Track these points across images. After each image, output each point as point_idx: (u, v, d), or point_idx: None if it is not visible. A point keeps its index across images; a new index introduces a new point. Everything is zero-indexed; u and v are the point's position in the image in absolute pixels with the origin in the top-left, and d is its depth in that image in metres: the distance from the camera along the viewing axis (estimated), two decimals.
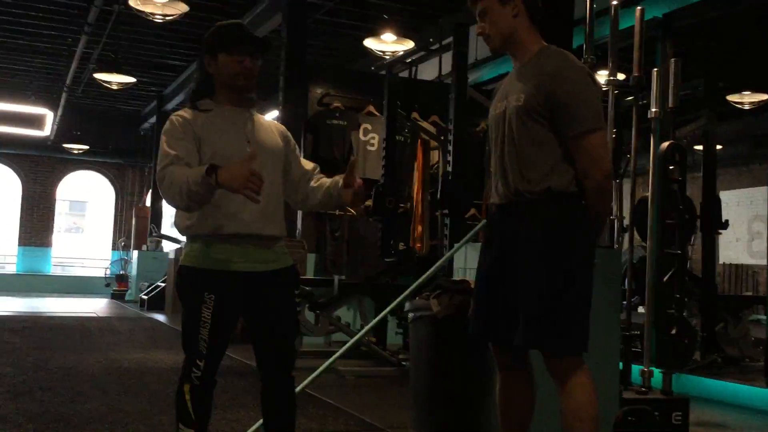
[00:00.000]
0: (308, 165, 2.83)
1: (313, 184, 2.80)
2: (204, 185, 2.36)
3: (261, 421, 2.94)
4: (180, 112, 2.63)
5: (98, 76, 11.07)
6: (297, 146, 2.86)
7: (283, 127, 2.84)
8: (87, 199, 23.56)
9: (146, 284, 13.62)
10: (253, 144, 2.61)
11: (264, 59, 2.70)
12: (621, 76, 5.29)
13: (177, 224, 2.66)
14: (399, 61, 7.47)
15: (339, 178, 2.73)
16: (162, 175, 2.47)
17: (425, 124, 7.80)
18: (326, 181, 2.79)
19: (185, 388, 2.54)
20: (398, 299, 4.67)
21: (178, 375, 2.58)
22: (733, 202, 13.98)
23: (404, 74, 7.68)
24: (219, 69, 2.61)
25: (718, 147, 11.27)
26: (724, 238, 13.65)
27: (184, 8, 7.62)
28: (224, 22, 2.74)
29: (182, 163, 2.47)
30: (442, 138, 6.92)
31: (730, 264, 13.16)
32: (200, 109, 2.62)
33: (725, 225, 7.04)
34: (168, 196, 2.48)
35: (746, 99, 8.63)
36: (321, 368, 4.34)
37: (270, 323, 2.63)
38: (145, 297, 12.87)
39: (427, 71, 8.51)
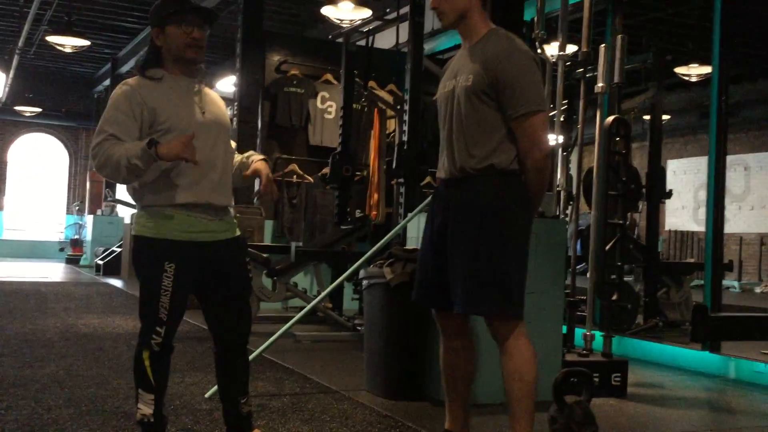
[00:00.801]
0: (233, 143, 2.92)
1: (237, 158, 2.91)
2: (144, 158, 2.47)
3: (216, 386, 3.07)
4: (130, 81, 2.67)
5: (51, 38, 10.86)
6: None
7: (219, 96, 2.92)
8: (39, 161, 23.12)
9: (101, 249, 13.55)
10: (207, 114, 2.70)
11: (219, 26, 2.79)
12: (573, 48, 5.45)
13: (131, 194, 2.74)
14: (356, 29, 7.50)
15: (246, 159, 2.86)
16: (95, 152, 2.55)
17: (382, 93, 7.88)
18: (238, 157, 2.90)
19: (144, 354, 2.64)
20: (353, 267, 4.80)
21: (136, 342, 2.69)
22: (680, 170, 14.38)
23: (362, 43, 7.72)
24: (167, 41, 2.66)
25: (667, 117, 11.61)
26: (671, 206, 14.07)
27: None
28: None
29: (116, 140, 2.54)
30: (399, 107, 7.01)
31: (677, 231, 13.58)
32: (150, 77, 2.66)
33: (669, 194, 7.31)
34: (104, 170, 2.56)
35: (693, 71, 8.89)
36: (278, 333, 4.47)
37: (226, 289, 2.75)
38: (101, 262, 12.82)
39: (385, 40, 8.56)
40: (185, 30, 2.63)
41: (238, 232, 2.84)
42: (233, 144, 2.92)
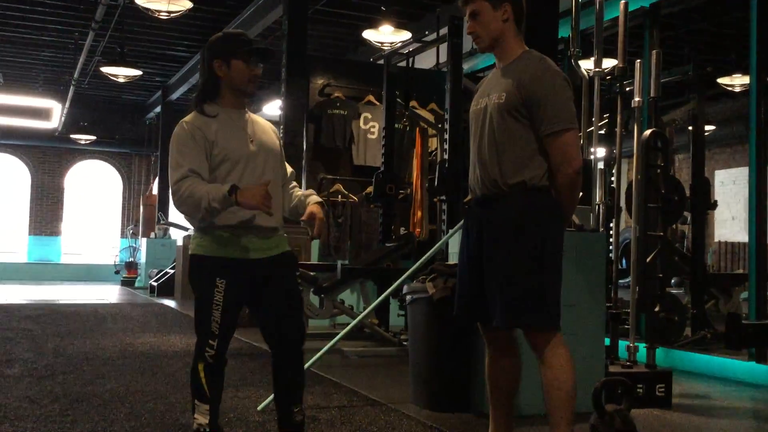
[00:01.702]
0: (288, 168, 3.13)
1: (288, 188, 3.09)
2: (224, 203, 2.70)
3: (271, 396, 3.23)
4: (188, 119, 2.89)
5: (105, 69, 11.30)
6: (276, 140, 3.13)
7: (273, 126, 3.12)
8: (94, 188, 23.83)
9: (155, 271, 13.91)
10: (256, 143, 2.90)
11: (272, 48, 3.04)
12: (611, 62, 5.53)
13: (187, 218, 2.94)
14: (396, 52, 7.68)
15: (304, 198, 3.03)
16: (178, 187, 2.76)
17: (423, 112, 8.02)
18: (298, 193, 3.08)
19: (199, 366, 2.83)
20: (396, 282, 4.92)
21: (192, 356, 2.87)
22: (728, 180, 14.18)
23: (402, 64, 7.89)
24: (230, 74, 2.88)
25: (712, 128, 11.51)
26: (720, 217, 13.86)
27: (188, 5, 7.84)
28: (231, 31, 3.04)
29: (196, 176, 2.75)
30: (440, 126, 7.14)
31: (726, 242, 13.37)
32: (208, 114, 2.88)
33: (714, 205, 7.27)
34: (183, 207, 2.78)
35: (737, 81, 8.85)
36: (325, 348, 4.61)
37: (281, 302, 2.93)
38: (155, 283, 13.16)
39: (425, 60, 8.72)
40: (250, 66, 2.88)
41: (287, 248, 3.01)
42: (288, 168, 3.12)
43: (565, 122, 2.73)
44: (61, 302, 11.34)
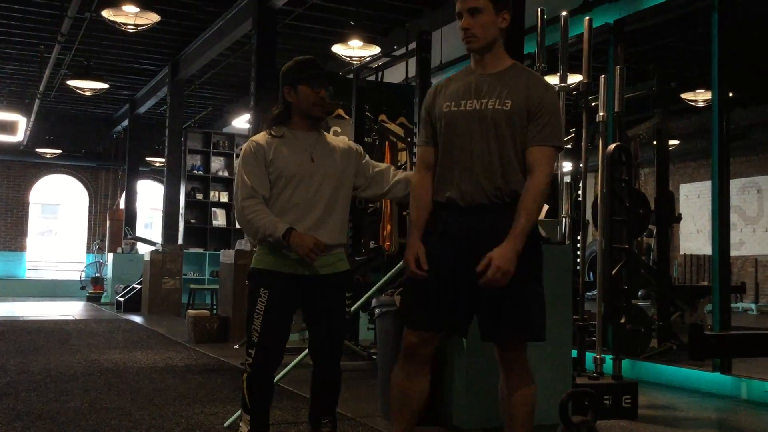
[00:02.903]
0: (382, 165, 3.25)
1: (399, 177, 3.19)
2: (277, 242, 2.89)
3: (238, 412, 3.23)
4: (256, 138, 3.07)
5: (71, 82, 11.18)
6: (364, 154, 3.24)
7: (349, 143, 3.22)
8: (60, 202, 23.48)
9: (122, 286, 13.73)
10: (317, 163, 3.02)
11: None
12: (577, 78, 5.61)
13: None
14: (366, 66, 7.72)
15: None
16: (242, 207, 2.95)
17: (392, 126, 8.04)
18: (400, 176, 3.20)
19: (243, 376, 2.96)
20: (365, 296, 4.91)
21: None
22: (693, 194, 14.43)
23: (371, 78, 7.93)
24: (298, 99, 3.03)
25: (676, 142, 11.71)
26: (685, 230, 14.10)
27: (155, 18, 7.80)
28: (300, 58, 3.13)
29: (259, 198, 2.93)
30: (409, 139, 7.17)
31: (691, 255, 13.58)
32: (274, 135, 3.04)
33: (678, 218, 7.39)
34: (243, 226, 3.01)
35: (700, 96, 9.00)
36: (293, 362, 4.58)
37: (323, 320, 3.05)
38: (122, 299, 12.99)
39: (394, 74, 8.76)
40: (315, 90, 3.01)
41: (345, 267, 3.09)
42: (382, 165, 3.24)
43: (559, 140, 2.76)
44: (25, 318, 11.14)
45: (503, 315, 2.67)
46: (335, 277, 3.05)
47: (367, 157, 3.25)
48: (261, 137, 3.06)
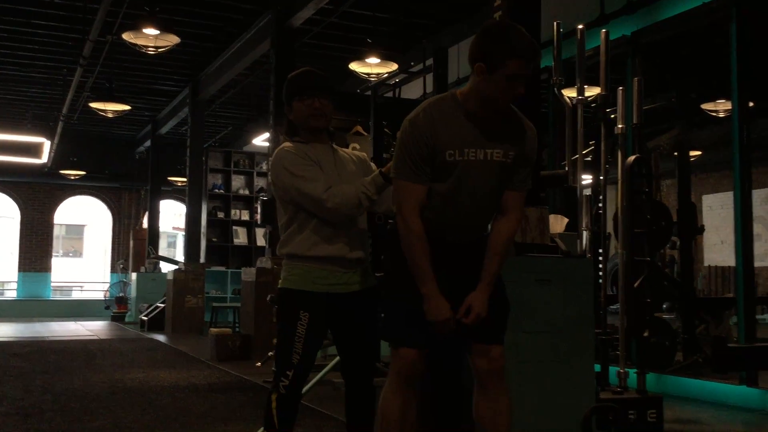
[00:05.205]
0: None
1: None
2: (379, 186, 2.82)
3: (260, 430, 3.22)
4: (290, 145, 2.97)
5: (94, 104, 11.33)
6: (373, 165, 3.20)
7: (359, 154, 3.19)
8: (84, 223, 23.75)
9: (145, 305, 13.84)
10: (342, 176, 2.96)
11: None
12: (595, 90, 5.59)
13: (278, 249, 3.02)
14: (383, 82, 7.76)
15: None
16: (326, 197, 2.80)
17: None
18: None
19: (272, 396, 2.89)
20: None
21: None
22: (716, 205, 14.27)
23: (389, 94, 7.97)
24: (295, 114, 2.99)
25: (698, 153, 11.61)
26: (709, 241, 13.93)
27: (175, 40, 7.89)
28: (294, 73, 3.08)
29: (328, 185, 2.83)
30: None
31: (716, 266, 13.41)
32: (299, 141, 2.98)
33: (701, 230, 7.32)
34: (340, 210, 2.82)
35: (720, 107, 8.94)
36: (314, 380, 4.59)
37: (355, 338, 3.00)
38: (145, 318, 13.09)
39: (411, 90, 8.81)
40: (306, 102, 2.94)
41: (373, 283, 3.05)
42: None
43: (529, 185, 2.80)
44: (50, 338, 11.25)
45: (481, 323, 2.68)
46: (366, 293, 2.99)
47: (372, 165, 3.21)
48: (294, 144, 2.97)
